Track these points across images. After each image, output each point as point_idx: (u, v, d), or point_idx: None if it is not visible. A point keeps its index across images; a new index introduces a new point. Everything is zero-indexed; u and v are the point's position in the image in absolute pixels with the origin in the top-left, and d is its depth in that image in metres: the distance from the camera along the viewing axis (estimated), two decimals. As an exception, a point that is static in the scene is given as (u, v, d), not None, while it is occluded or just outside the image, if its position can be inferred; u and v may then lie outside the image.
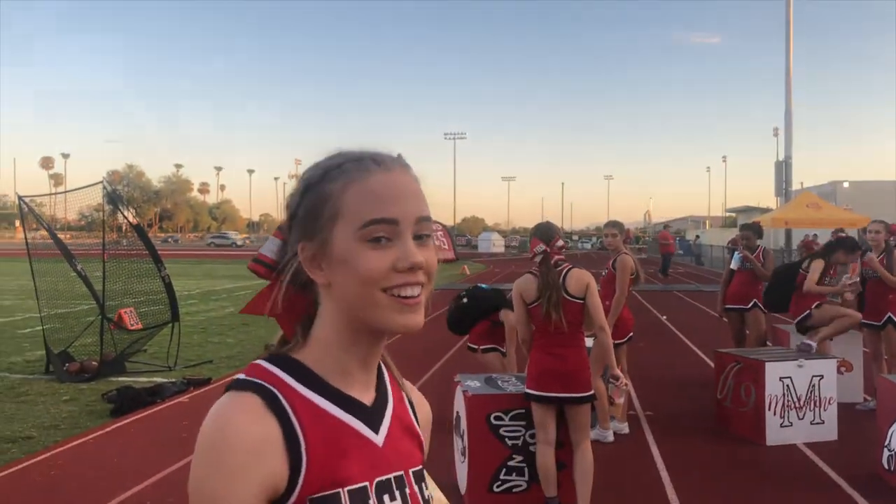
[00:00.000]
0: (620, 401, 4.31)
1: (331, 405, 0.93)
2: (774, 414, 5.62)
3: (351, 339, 0.94)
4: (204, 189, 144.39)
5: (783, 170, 25.01)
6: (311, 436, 0.89)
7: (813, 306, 6.46)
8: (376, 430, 0.96)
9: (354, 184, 0.91)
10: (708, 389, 6.71)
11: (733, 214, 62.25)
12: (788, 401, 5.64)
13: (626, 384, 4.22)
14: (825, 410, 5.74)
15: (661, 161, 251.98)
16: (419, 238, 0.92)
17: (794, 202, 22.86)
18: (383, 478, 0.94)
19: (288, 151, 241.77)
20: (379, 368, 1.02)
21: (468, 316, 6.08)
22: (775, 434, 5.60)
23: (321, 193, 0.93)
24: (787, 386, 5.64)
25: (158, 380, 7.94)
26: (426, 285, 0.92)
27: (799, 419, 5.66)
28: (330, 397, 0.93)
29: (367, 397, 0.97)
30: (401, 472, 0.97)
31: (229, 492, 0.84)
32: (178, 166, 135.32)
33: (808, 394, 5.68)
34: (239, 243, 78.45)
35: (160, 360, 9.07)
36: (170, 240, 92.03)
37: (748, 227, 7.77)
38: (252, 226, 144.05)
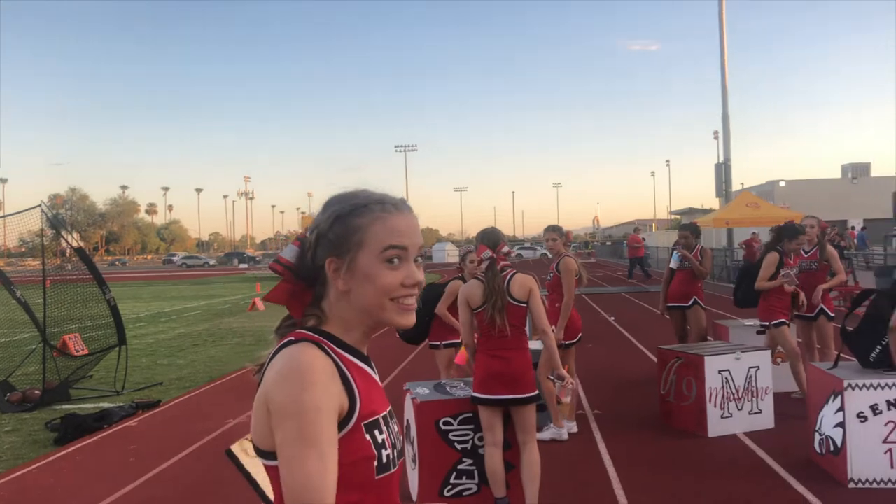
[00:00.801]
0: (567, 400, 4.42)
1: (357, 360, 1.28)
2: (715, 406, 5.81)
3: (362, 323, 1.28)
4: (152, 210, 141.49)
5: (723, 171, 25.76)
6: (356, 379, 1.24)
7: (772, 324, 6.52)
8: (376, 375, 1.34)
9: (378, 221, 1.25)
10: (653, 386, 6.89)
11: (678, 216, 63.67)
12: (728, 393, 5.84)
13: (572, 384, 4.33)
14: (762, 400, 5.96)
15: (607, 167, 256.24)
16: (416, 261, 1.28)
17: (735, 202, 23.57)
18: (388, 409, 1.32)
19: (236, 169, 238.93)
20: None
21: (421, 320, 6.14)
22: (716, 425, 5.79)
23: (350, 225, 1.25)
24: (726, 378, 5.84)
25: (105, 405, 7.79)
26: (418, 295, 1.28)
27: (738, 410, 5.87)
28: (355, 355, 1.29)
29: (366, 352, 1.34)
30: (390, 406, 1.35)
31: (323, 401, 1.14)
32: (124, 188, 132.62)
33: (746, 385, 5.90)
34: (212, 263, 76.12)
35: (107, 385, 8.89)
36: (117, 263, 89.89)
37: (686, 227, 8.03)
38: (202, 245, 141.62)
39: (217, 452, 5.86)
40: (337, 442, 1.15)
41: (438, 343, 6.24)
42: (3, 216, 9.93)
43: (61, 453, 6.14)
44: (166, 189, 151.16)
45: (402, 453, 1.33)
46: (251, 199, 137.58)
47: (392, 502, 1.28)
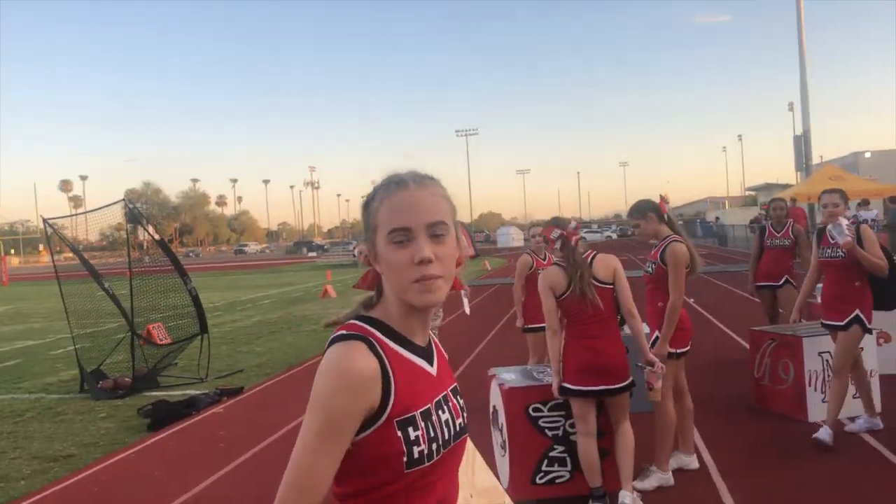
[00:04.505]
0: (658, 385, 4.17)
1: (405, 351, 1.29)
2: (815, 389, 5.52)
3: (407, 307, 1.28)
4: (221, 201, 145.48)
5: (802, 144, 24.72)
6: (397, 374, 1.24)
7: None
8: (431, 364, 1.35)
9: (384, 202, 1.26)
10: (742, 369, 6.62)
11: (753, 193, 61.54)
12: (829, 376, 5.54)
13: (662, 368, 4.06)
14: (867, 383, 5.62)
15: (675, 144, 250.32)
16: (435, 236, 1.24)
17: (817, 175, 22.57)
18: (437, 398, 1.32)
19: (301, 159, 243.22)
20: None
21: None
22: (817, 410, 5.49)
23: (369, 210, 1.30)
24: (827, 360, 5.54)
25: (192, 392, 7.99)
26: (444, 272, 1.24)
27: (841, 393, 5.55)
28: (404, 345, 1.30)
29: (423, 342, 1.35)
30: (446, 392, 1.36)
31: (349, 405, 1.19)
32: (195, 181, 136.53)
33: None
34: (327, 247, 71.23)
35: (191, 373, 9.13)
36: (191, 254, 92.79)
37: (779, 200, 7.70)
38: (271, 235, 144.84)
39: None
40: (349, 442, 1.21)
41: (534, 326, 6.12)
42: (88, 211, 10.27)
43: (155, 439, 6.31)
44: (234, 181, 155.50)
45: (456, 437, 1.34)
46: (317, 188, 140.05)
47: (430, 489, 1.29)
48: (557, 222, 4.06)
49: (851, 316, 4.97)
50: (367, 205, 1.31)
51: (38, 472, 5.51)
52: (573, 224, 4.01)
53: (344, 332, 1.26)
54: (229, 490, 4.93)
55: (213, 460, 5.53)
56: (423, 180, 1.29)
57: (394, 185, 1.27)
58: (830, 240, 5.07)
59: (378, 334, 1.27)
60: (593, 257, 3.99)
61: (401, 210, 1.24)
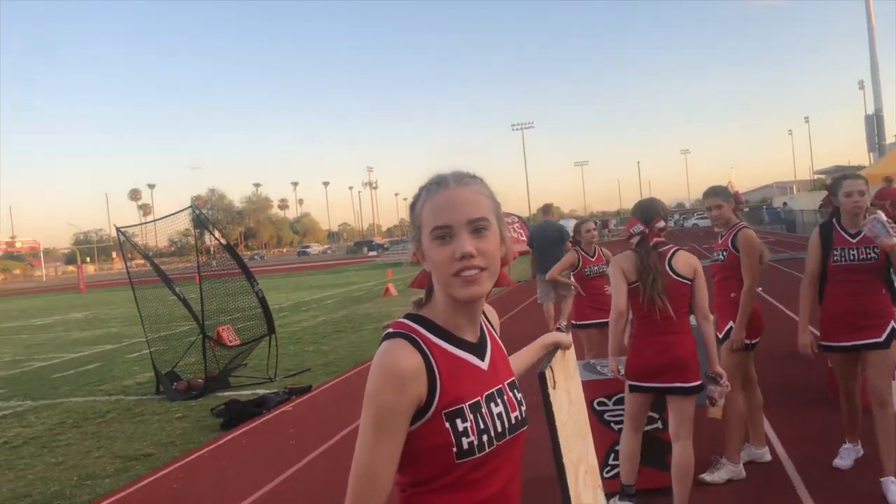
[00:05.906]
0: (722, 402, 3.83)
1: (451, 346, 1.35)
2: (894, 379, 5.31)
3: (453, 302, 1.34)
4: (283, 205, 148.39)
5: (874, 123, 23.77)
6: (442, 369, 1.30)
7: None
8: (482, 359, 1.40)
9: (427, 202, 1.33)
10: (815, 358, 6.40)
11: (822, 176, 59.25)
12: (908, 363, 5.31)
13: (727, 385, 3.76)
14: (950, 371, 5.37)
15: (739, 129, 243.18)
16: (477, 231, 1.30)
17: (892, 156, 21.62)
18: (489, 391, 1.36)
19: (359, 160, 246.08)
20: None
21: None
22: (896, 400, 5.28)
23: (415, 211, 1.37)
24: (905, 348, 5.31)
25: (261, 391, 8.21)
26: (487, 265, 1.30)
27: (922, 382, 5.32)
28: (450, 341, 1.36)
29: (473, 337, 1.40)
30: (500, 385, 1.40)
31: (396, 400, 1.25)
32: (257, 185, 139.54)
33: (930, 354, 5.33)
34: (387, 246, 71.21)
35: (261, 373, 9.37)
36: (256, 257, 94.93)
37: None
38: (332, 236, 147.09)
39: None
40: (404, 434, 1.27)
41: (584, 322, 6.14)
42: (157, 220, 10.65)
43: (228, 437, 6.52)
44: (296, 184, 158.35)
45: (512, 430, 1.38)
46: (375, 188, 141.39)
47: (486, 482, 1.33)
48: (642, 213, 3.83)
49: (888, 330, 4.09)
50: (413, 206, 1.38)
51: (120, 471, 5.77)
52: (660, 224, 3.79)
53: (390, 330, 1.33)
54: (301, 486, 5.07)
55: (285, 457, 5.68)
56: (464, 179, 1.35)
57: (435, 186, 1.34)
58: (850, 239, 4.11)
59: (422, 331, 1.33)
60: (675, 252, 3.79)
61: (442, 208, 1.30)
